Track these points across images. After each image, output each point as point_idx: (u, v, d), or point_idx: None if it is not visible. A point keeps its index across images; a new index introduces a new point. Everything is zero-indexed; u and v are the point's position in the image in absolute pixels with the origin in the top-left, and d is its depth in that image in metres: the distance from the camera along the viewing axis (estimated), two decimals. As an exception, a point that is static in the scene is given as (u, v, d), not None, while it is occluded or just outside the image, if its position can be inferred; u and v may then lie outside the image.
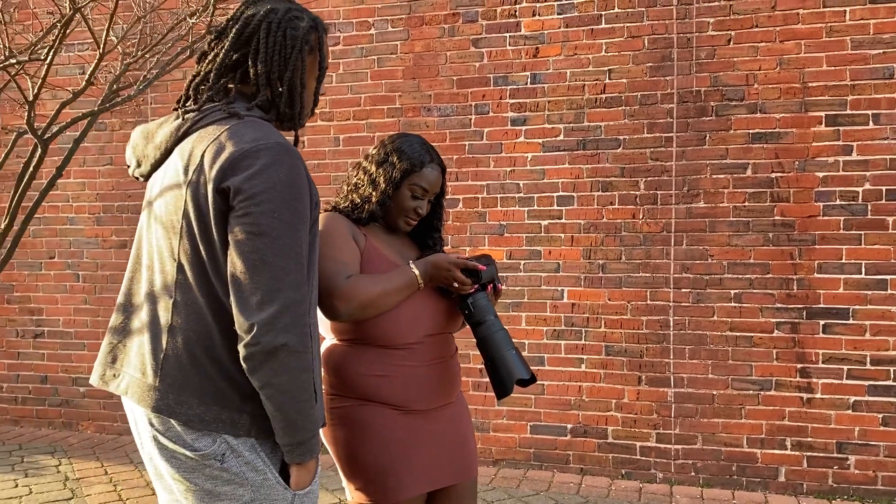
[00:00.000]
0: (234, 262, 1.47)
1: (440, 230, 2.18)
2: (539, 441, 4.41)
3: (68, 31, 2.21)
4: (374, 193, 2.01)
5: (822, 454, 4.02)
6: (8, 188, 5.07)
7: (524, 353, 4.40)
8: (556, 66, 4.36)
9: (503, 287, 2.12)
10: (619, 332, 4.28)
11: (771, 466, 4.08)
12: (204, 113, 1.60)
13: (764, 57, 4.09)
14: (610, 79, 4.29)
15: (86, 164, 5.20)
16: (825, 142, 4.01)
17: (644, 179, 4.25)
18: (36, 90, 2.30)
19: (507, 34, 4.43)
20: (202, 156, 1.53)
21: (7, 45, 2.53)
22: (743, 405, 4.11)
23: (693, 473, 4.18)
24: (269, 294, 1.45)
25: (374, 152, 2.08)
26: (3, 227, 2.52)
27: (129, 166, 1.74)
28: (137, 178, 1.73)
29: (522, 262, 4.42)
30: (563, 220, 4.36)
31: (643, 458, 4.26)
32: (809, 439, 4.03)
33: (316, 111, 4.70)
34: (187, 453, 1.54)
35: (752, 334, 4.10)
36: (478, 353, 4.40)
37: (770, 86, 4.08)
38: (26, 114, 2.28)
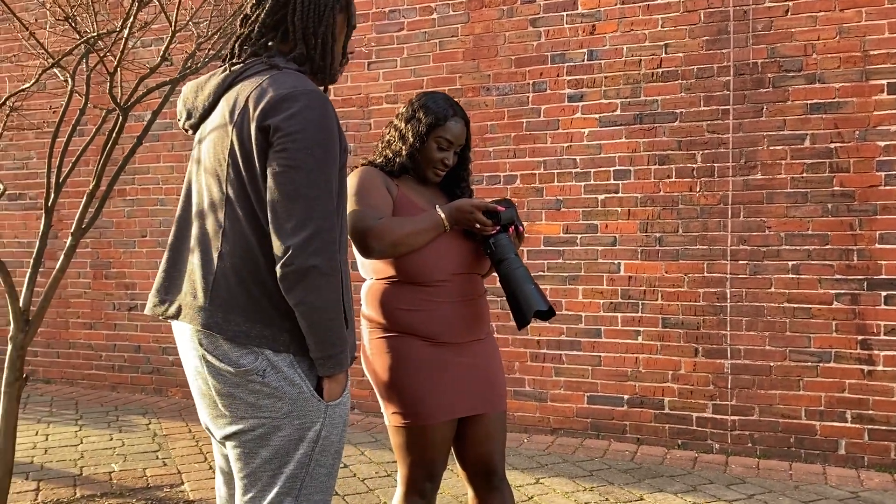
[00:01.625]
0: (272, 193, 1.69)
1: (467, 180, 2.35)
2: (596, 411, 4.50)
3: (140, 8, 2.49)
4: (403, 147, 2.20)
5: (884, 427, 3.96)
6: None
7: (580, 326, 4.50)
8: (613, 42, 4.45)
9: (525, 230, 2.27)
10: (676, 305, 4.33)
11: (830, 439, 4.05)
12: (247, 66, 1.83)
13: (823, 26, 4.06)
14: (666, 53, 4.34)
15: (174, 150, 5.61)
16: (887, 110, 3.95)
17: (701, 152, 4.28)
18: (116, 62, 2.59)
19: (565, 13, 4.54)
20: (246, 100, 1.76)
21: (95, 29, 2.84)
22: (801, 377, 4.10)
23: (749, 444, 4.19)
24: (302, 221, 1.66)
25: (403, 110, 2.27)
26: (91, 187, 2.83)
27: (179, 119, 1.97)
28: (186, 130, 1.96)
29: (579, 236, 4.53)
30: (619, 194, 4.44)
31: (699, 428, 4.29)
32: (871, 412, 3.98)
33: (381, 94, 4.94)
34: (231, 370, 1.75)
35: (810, 306, 4.08)
36: (538, 325, 4.53)
37: (829, 55, 4.04)
38: (108, 84, 2.58)
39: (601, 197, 4.48)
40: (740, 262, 4.21)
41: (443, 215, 2.11)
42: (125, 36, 2.54)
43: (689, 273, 4.31)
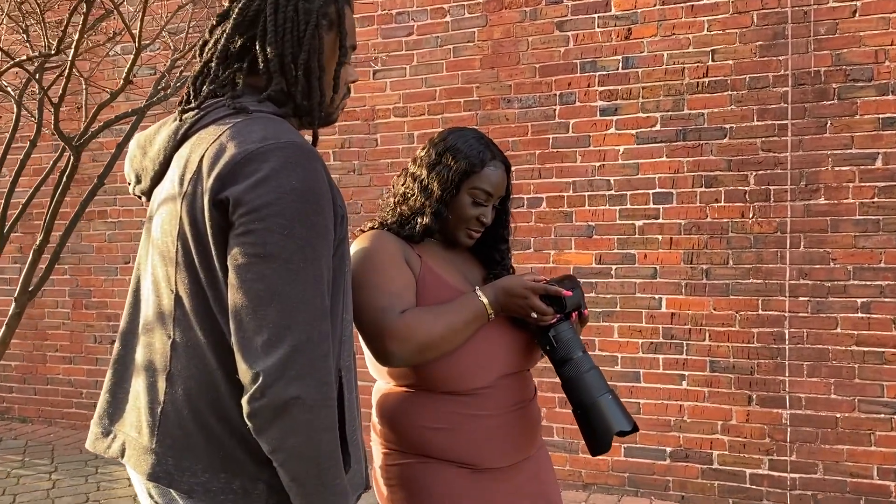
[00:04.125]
0: (235, 294, 1.19)
1: (507, 241, 1.82)
2: (634, 465, 3.99)
3: (88, 17, 1.97)
4: (426, 203, 1.67)
5: (971, 490, 3.45)
6: (80, 193, 5.01)
7: (616, 369, 3.99)
8: (651, 48, 3.92)
9: (589, 312, 1.75)
10: (726, 346, 3.82)
11: (907, 502, 3.54)
12: (205, 111, 1.33)
13: (898, 29, 3.53)
14: (713, 60, 3.82)
15: (158, 167, 5.08)
16: (974, 126, 3.43)
17: (754, 173, 3.76)
18: (61, 91, 2.07)
19: (596, 15, 4.02)
20: (200, 161, 1.26)
21: (47, 42, 2.32)
22: (873, 430, 3.58)
23: (813, 507, 3.68)
24: (278, 333, 1.16)
25: (422, 154, 1.74)
26: (38, 242, 2.30)
27: (129, 183, 1.47)
28: (139, 197, 1.46)
29: (614, 267, 4.01)
30: (660, 220, 3.92)
31: (753, 486, 3.78)
32: (955, 472, 3.47)
33: (388, 106, 4.41)
34: None
35: (883, 350, 3.56)
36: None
37: (905, 62, 3.52)
38: (53, 117, 2.06)
39: (639, 223, 3.96)
40: (800, 298, 3.70)
41: (485, 300, 1.59)
42: (70, 58, 2.01)
43: (740, 310, 3.79)
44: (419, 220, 1.67)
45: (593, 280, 4.04)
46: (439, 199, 1.66)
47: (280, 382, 1.15)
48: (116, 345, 1.42)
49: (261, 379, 1.15)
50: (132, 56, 2.09)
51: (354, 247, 1.64)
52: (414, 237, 1.68)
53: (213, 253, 1.22)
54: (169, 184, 1.31)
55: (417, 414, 1.59)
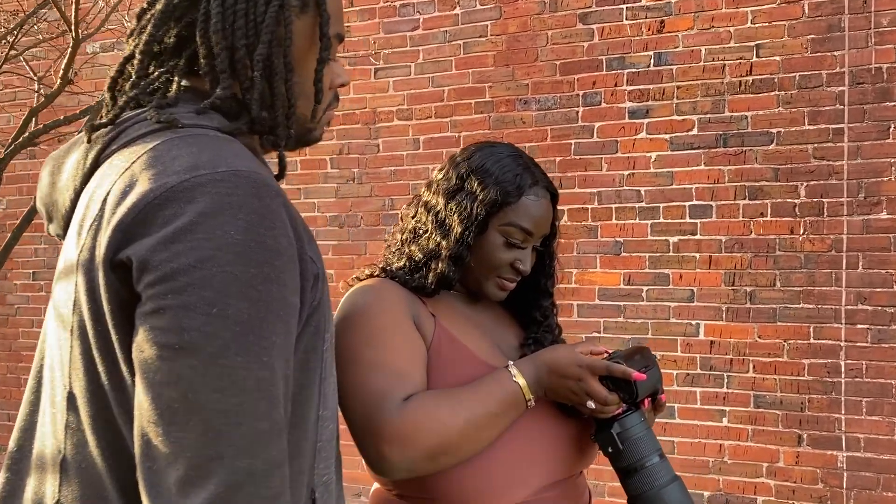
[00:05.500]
0: (140, 404, 0.79)
1: (552, 294, 1.39)
2: (668, 510, 3.59)
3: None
4: (443, 243, 1.23)
5: None
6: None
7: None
8: (688, 42, 3.55)
9: (666, 397, 1.32)
10: (773, 379, 3.43)
11: (984, 560, 3.13)
12: (121, 126, 0.92)
13: (973, 19, 3.12)
14: (758, 56, 3.44)
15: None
16: None
17: (805, 184, 3.38)
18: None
19: (624, 6, 3.66)
20: (104, 203, 0.86)
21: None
22: (944, 478, 3.18)
23: (875, 563, 3.28)
24: (199, 465, 0.77)
25: (440, 177, 1.30)
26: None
27: (44, 221, 1.08)
28: (59, 237, 1.08)
29: (645, 288, 3.62)
30: (697, 236, 3.54)
31: (805, 538, 3.38)
32: None
33: (391, 108, 4.01)
34: None
35: (957, 386, 3.16)
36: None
37: (982, 57, 3.11)
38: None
39: (673, 239, 3.57)
40: (858, 325, 3.30)
41: (521, 382, 1.15)
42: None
43: (789, 338, 3.40)
44: (434, 267, 1.23)
45: (621, 303, 3.65)
46: (460, 238, 1.23)
47: None
48: (14, 435, 1.02)
49: None
50: (109, 51, 1.68)
51: (345, 304, 1.22)
52: (426, 289, 1.24)
53: (114, 339, 0.82)
54: (73, 232, 0.92)
55: (430, 538, 1.16)
